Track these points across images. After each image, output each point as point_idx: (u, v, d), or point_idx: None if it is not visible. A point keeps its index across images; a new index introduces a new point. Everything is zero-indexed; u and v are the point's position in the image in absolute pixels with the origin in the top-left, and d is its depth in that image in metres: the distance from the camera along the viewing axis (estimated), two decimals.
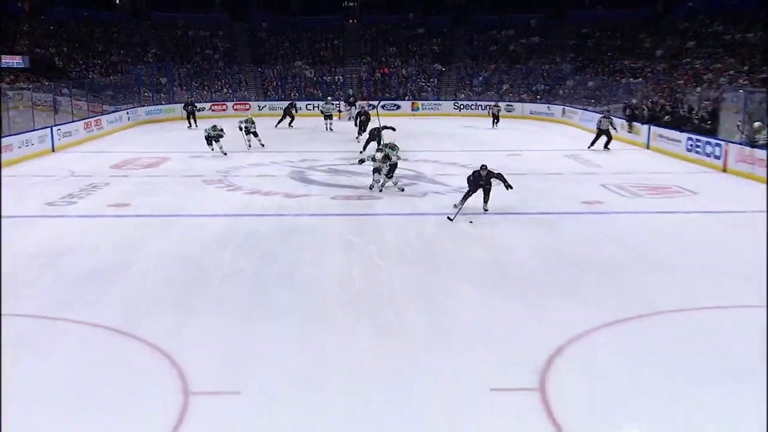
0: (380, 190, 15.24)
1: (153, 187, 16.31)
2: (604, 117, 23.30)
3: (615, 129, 22.90)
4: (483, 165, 12.93)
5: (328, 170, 18.57)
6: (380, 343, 7.45)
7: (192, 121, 28.63)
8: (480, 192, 13.05)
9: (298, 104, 30.53)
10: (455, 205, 12.90)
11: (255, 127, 21.98)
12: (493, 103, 31.02)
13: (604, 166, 19.41)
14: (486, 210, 13.11)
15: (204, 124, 23.01)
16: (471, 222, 12.28)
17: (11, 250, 10.91)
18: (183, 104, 30.76)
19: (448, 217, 12.47)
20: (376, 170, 15.15)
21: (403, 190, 15.36)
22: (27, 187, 16.15)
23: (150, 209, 14.02)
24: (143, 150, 22.54)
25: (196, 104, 30.85)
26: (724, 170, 18.15)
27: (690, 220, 13.12)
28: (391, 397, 6.24)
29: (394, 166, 15.21)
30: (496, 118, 29.94)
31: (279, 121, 28.67)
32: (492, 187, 13.07)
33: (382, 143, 15.92)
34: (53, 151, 21.90)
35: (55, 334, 7.68)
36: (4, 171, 18.19)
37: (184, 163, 19.70)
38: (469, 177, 13.13)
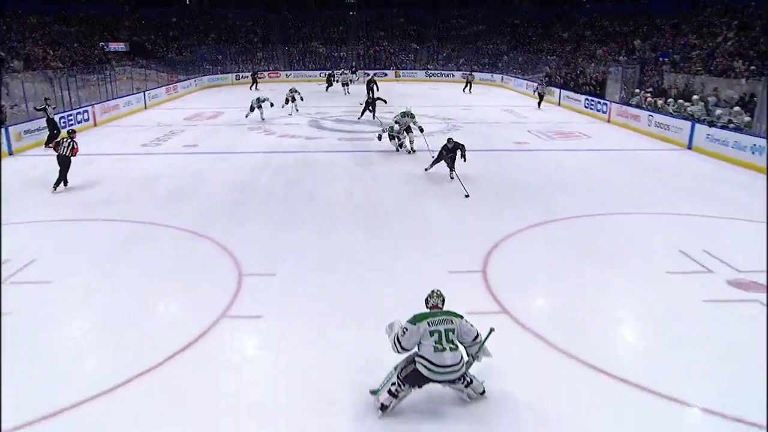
0: (414, 152, 12.58)
1: (213, 133, 15.82)
2: (540, 84, 22.58)
3: (547, 93, 22.30)
4: (449, 138, 10.49)
5: (336, 120, 18.02)
6: (373, 240, 7.41)
7: (254, 85, 28.02)
8: (459, 162, 10.37)
9: (317, 73, 29.31)
10: (426, 169, 10.82)
11: (298, 96, 19.63)
12: (468, 72, 29.51)
13: (530, 117, 18.93)
14: (452, 178, 10.21)
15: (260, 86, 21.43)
16: (467, 196, 9.41)
17: (121, 176, 10.82)
18: (251, 73, 30.15)
19: (425, 169, 10.82)
20: (394, 137, 12.58)
21: (414, 151, 12.70)
22: (129, 134, 15.65)
23: (211, 148, 13.66)
24: (206, 107, 21.81)
25: (258, 72, 30.54)
26: (608, 121, 17.78)
27: (585, 156, 12.91)
28: (380, 277, 6.26)
29: (420, 130, 12.45)
30: (469, 84, 27.11)
31: (327, 88, 26.98)
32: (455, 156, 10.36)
33: (400, 113, 12.71)
34: (145, 108, 21.13)
35: (151, 234, 7.63)
36: (116, 122, 17.76)
37: (234, 116, 18.99)
38: (442, 149, 10.47)
